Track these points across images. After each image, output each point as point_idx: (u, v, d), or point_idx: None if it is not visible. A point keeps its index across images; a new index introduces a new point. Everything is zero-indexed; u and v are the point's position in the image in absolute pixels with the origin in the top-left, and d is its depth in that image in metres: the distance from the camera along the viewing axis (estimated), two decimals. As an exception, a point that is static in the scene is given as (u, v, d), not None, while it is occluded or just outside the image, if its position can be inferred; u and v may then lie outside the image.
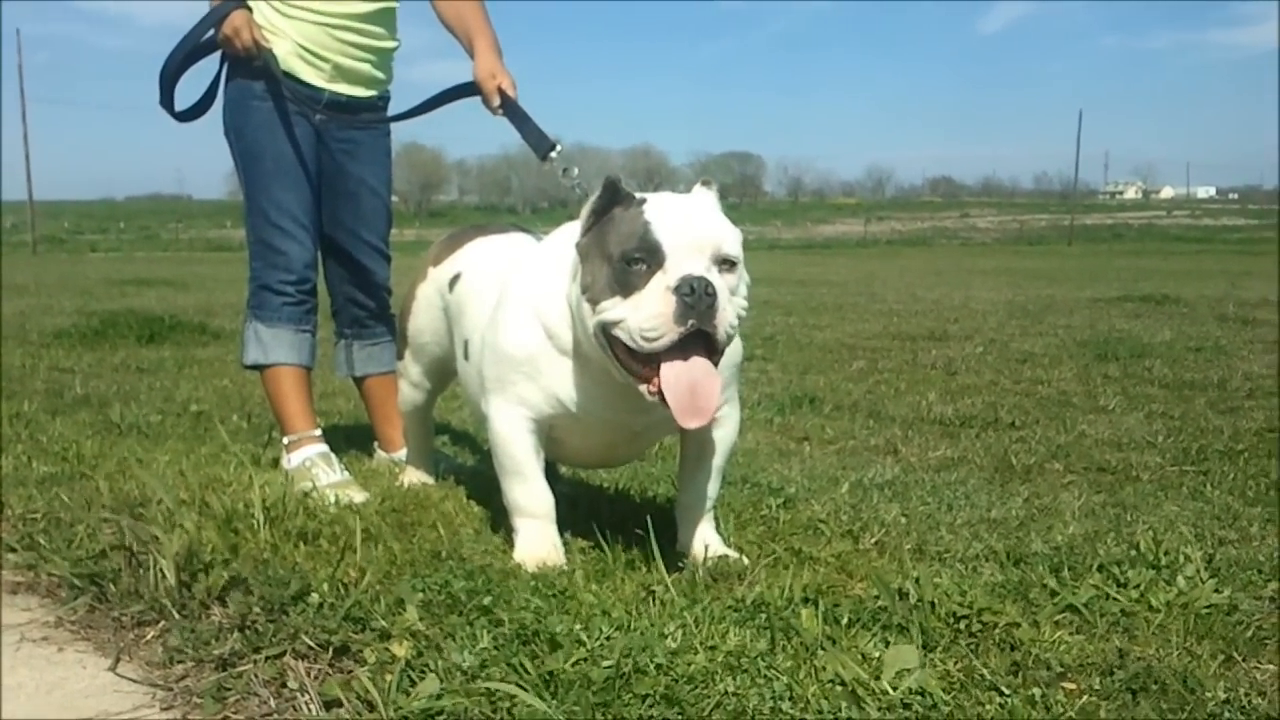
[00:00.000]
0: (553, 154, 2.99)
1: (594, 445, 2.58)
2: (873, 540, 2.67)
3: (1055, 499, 3.30)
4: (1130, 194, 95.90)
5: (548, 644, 1.75)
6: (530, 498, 2.56)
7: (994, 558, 2.47)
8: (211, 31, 3.20)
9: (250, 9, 3.21)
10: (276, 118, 3.28)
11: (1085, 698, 1.62)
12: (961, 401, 5.27)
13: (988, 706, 1.59)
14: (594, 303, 2.25)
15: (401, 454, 3.56)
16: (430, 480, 3.40)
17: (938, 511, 3.08)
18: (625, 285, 2.20)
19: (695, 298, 2.13)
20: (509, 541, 2.60)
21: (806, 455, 4.07)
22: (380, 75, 3.44)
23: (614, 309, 2.21)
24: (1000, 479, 3.65)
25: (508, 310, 2.53)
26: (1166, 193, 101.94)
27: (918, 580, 2.11)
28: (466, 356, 2.80)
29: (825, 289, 15.28)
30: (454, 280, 2.96)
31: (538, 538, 2.55)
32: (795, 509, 2.98)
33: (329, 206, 3.43)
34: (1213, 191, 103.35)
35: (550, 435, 2.56)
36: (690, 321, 2.14)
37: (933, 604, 1.97)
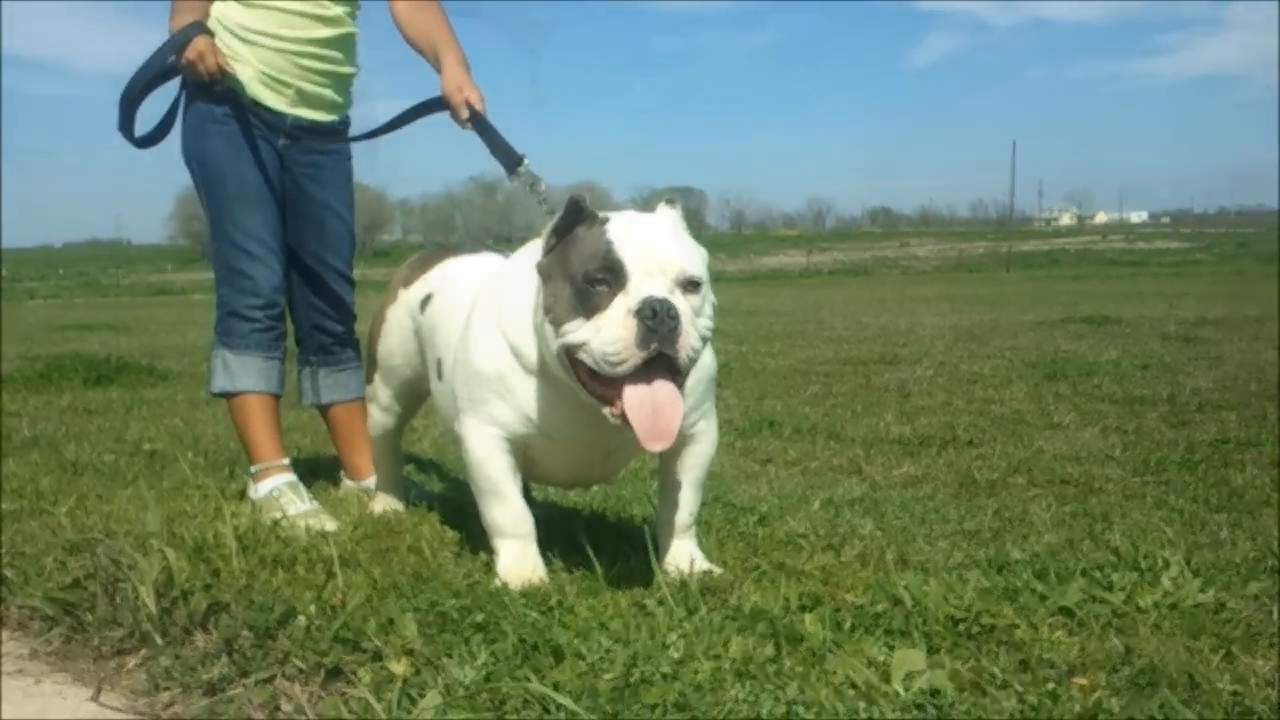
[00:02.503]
0: (520, 169, 2.97)
1: (568, 464, 2.56)
2: (854, 553, 2.68)
3: (1024, 510, 3.33)
4: (1065, 220, 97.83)
5: (551, 655, 1.73)
6: (509, 517, 2.53)
7: (976, 566, 2.49)
8: (173, 57, 3.17)
9: (212, 34, 3.19)
10: (240, 141, 3.24)
11: (1098, 692, 1.63)
12: (918, 421, 5.32)
13: (1004, 704, 1.59)
14: (556, 324, 2.22)
15: (370, 482, 3.51)
16: (401, 507, 3.35)
17: (912, 525, 3.10)
18: (587, 306, 2.17)
19: (657, 320, 2.10)
20: (491, 564, 2.57)
21: (772, 476, 4.08)
22: (340, 100, 3.43)
23: (576, 331, 2.18)
24: (966, 494, 3.69)
25: (476, 328, 2.51)
26: (1100, 218, 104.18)
27: (906, 586, 2.12)
28: (440, 376, 2.77)
29: (773, 318, 15.36)
30: (425, 301, 2.94)
31: (519, 557, 2.52)
32: (771, 525, 2.98)
33: (293, 231, 3.40)
34: (1145, 216, 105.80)
35: (525, 455, 2.53)
36: (653, 345, 2.11)
37: (928, 608, 1.98)
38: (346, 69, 3.42)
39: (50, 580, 2.42)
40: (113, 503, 3.27)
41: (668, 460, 2.54)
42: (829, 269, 56.08)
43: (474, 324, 2.53)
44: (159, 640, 2.06)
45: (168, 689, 1.93)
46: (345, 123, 3.48)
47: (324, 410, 3.64)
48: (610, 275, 2.15)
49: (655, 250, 2.18)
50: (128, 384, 7.75)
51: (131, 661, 2.08)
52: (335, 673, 1.89)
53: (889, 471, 4.12)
